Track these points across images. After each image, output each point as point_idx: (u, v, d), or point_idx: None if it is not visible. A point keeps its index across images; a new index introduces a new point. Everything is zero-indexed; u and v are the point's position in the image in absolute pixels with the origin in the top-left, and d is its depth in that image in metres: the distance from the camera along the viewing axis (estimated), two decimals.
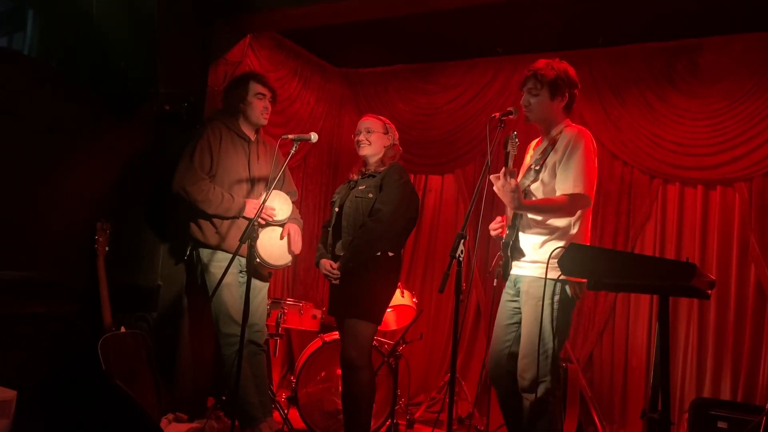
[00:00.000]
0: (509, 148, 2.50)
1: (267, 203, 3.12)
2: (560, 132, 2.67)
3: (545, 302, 2.49)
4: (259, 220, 3.06)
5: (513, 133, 2.52)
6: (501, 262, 2.72)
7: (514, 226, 2.66)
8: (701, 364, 3.99)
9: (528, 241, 2.66)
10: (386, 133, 3.23)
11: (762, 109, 3.88)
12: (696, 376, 4.00)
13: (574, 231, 2.63)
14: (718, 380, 3.92)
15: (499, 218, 2.82)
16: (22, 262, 3.14)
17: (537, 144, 2.85)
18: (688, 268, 1.86)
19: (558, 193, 2.59)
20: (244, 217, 3.29)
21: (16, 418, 2.56)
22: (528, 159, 2.86)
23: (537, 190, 2.65)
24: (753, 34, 3.94)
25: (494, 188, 2.48)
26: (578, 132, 2.63)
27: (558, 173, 2.59)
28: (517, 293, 2.70)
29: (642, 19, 3.96)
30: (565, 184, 2.56)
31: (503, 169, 2.45)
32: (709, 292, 2.02)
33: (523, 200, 2.48)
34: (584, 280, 2.49)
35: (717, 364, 3.94)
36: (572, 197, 2.54)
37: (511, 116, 2.59)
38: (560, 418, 2.62)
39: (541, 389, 2.51)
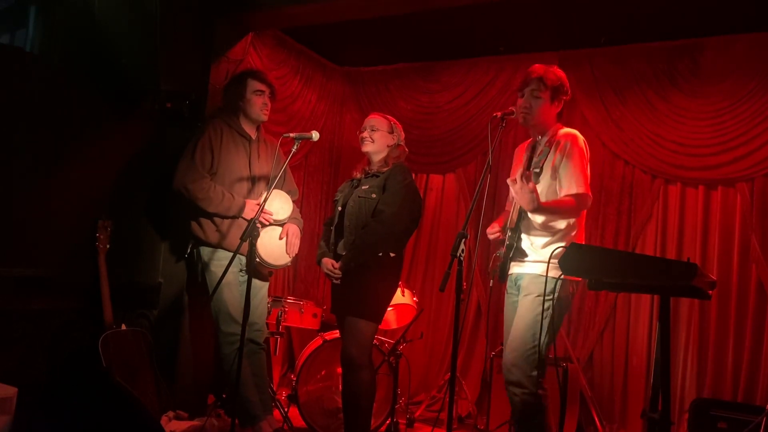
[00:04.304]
0: (533, 153, 2.59)
1: (267, 203, 3.12)
2: (555, 135, 2.72)
3: (544, 298, 2.52)
4: (258, 224, 3.05)
5: (539, 137, 2.64)
6: (498, 264, 2.75)
7: (517, 229, 2.68)
8: (702, 365, 3.99)
9: (531, 242, 2.69)
10: (391, 132, 3.22)
11: (764, 109, 3.88)
12: (696, 376, 4.00)
13: (574, 233, 2.68)
14: (719, 380, 3.92)
15: (495, 224, 2.85)
16: (23, 259, 3.14)
17: (525, 146, 2.89)
18: (689, 268, 1.86)
19: (562, 194, 2.63)
20: (243, 218, 3.29)
21: (17, 414, 2.56)
22: (524, 161, 2.88)
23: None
24: (755, 34, 3.93)
25: (512, 191, 2.51)
26: (573, 135, 2.71)
27: (559, 175, 2.64)
28: (519, 291, 2.72)
29: (644, 18, 3.95)
30: (568, 185, 2.62)
31: (519, 170, 2.48)
32: (710, 292, 2.02)
33: (540, 202, 2.51)
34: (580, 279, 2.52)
35: (717, 364, 3.94)
36: (577, 197, 2.60)
37: (512, 116, 2.62)
38: (549, 410, 2.64)
39: (529, 382, 2.53)
